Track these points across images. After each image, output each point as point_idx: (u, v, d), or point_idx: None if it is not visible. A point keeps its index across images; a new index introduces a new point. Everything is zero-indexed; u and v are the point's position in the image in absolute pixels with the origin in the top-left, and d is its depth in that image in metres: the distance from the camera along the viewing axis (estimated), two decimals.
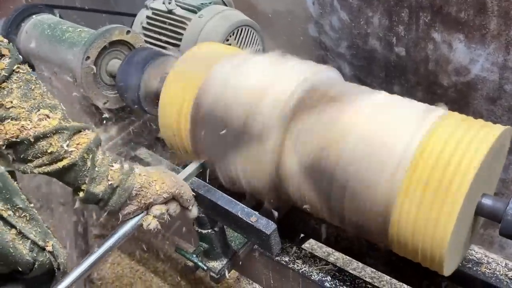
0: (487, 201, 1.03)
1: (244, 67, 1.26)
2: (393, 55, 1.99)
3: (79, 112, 1.68)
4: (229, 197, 1.24)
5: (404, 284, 1.42)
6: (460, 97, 1.88)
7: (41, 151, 1.00)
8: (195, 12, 1.78)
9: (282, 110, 1.15)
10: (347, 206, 1.09)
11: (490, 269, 1.27)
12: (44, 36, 1.69)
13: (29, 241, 0.95)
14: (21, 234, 0.93)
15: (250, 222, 1.18)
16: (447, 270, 1.05)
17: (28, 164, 1.02)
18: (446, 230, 0.95)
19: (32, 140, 0.98)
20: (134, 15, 1.90)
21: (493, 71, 1.74)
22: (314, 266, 1.35)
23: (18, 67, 1.00)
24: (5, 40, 1.00)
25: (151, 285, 2.47)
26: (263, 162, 1.18)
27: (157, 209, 1.15)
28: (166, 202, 1.17)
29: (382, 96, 1.15)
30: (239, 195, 1.31)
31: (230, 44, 1.74)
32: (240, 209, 1.21)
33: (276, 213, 1.31)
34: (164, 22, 1.80)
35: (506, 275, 1.25)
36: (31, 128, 0.98)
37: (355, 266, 2.39)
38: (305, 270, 1.35)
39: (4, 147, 0.99)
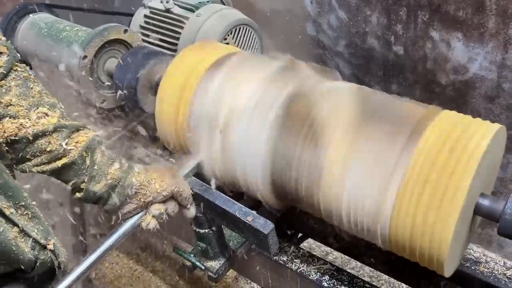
0: (485, 201, 1.02)
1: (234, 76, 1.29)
2: (391, 53, 1.99)
3: (75, 111, 1.67)
4: (226, 196, 1.24)
5: (403, 283, 1.42)
6: (458, 96, 1.88)
7: (40, 149, 0.99)
8: (193, 11, 1.77)
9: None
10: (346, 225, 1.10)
11: (488, 268, 1.27)
12: (41, 35, 1.69)
13: (31, 239, 0.94)
14: (23, 232, 0.92)
15: (247, 221, 1.17)
16: (448, 271, 1.05)
17: (27, 163, 1.01)
18: (447, 231, 0.95)
19: (31, 138, 0.97)
20: (132, 15, 1.89)
21: (492, 70, 1.74)
22: (312, 266, 1.35)
23: (16, 65, 0.99)
24: (3, 38, 0.99)
25: (150, 285, 2.46)
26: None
27: (156, 209, 1.14)
28: (164, 201, 1.17)
29: None
30: (237, 195, 1.31)
31: (228, 43, 1.73)
32: (237, 209, 1.21)
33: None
34: (162, 21, 1.79)
35: (505, 274, 1.25)
36: (29, 126, 0.97)
37: (353, 265, 2.39)
38: (303, 269, 1.34)
39: (3, 146, 0.98)
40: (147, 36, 1.82)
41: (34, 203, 0.97)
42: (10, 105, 0.97)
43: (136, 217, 1.14)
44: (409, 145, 1.00)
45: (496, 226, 1.00)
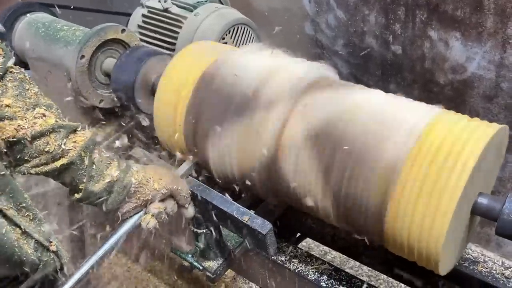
0: (483, 200, 1.02)
1: (252, 54, 1.32)
2: (389, 53, 1.99)
3: (73, 111, 1.67)
4: (224, 196, 1.24)
5: (401, 283, 1.41)
6: (457, 95, 1.88)
7: (38, 150, 0.99)
8: (191, 11, 1.77)
9: (297, 84, 1.19)
10: (345, 183, 1.08)
11: (486, 268, 1.27)
12: (39, 35, 1.68)
13: (33, 240, 0.94)
14: (26, 234, 0.92)
15: (245, 222, 1.17)
16: (443, 269, 1.05)
17: (25, 165, 1.01)
18: (442, 229, 0.95)
19: (29, 139, 0.97)
20: (130, 14, 1.89)
21: (490, 69, 1.74)
22: (310, 265, 1.34)
23: (11, 67, 0.99)
24: None
25: (148, 285, 2.46)
26: (265, 131, 1.17)
27: (155, 208, 1.14)
28: (163, 200, 1.17)
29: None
30: (235, 194, 1.31)
31: (226, 43, 1.73)
32: (235, 209, 1.20)
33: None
34: (160, 21, 1.79)
35: (503, 274, 1.25)
36: (28, 128, 0.97)
37: (352, 265, 2.39)
38: (301, 269, 1.34)
39: (2, 147, 0.98)
40: (145, 35, 1.81)
41: (34, 204, 0.97)
42: (7, 106, 0.96)
43: (136, 217, 1.14)
44: (406, 144, 1.00)
45: (495, 225, 1.00)
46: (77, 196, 1.07)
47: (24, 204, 0.93)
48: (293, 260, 1.37)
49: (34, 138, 0.98)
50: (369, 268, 1.84)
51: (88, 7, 2.04)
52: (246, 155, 1.21)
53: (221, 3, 1.91)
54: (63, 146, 1.00)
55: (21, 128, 0.96)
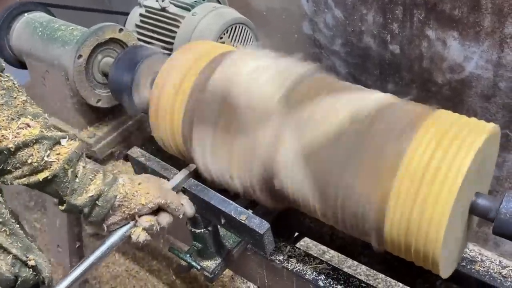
0: (480, 200, 1.02)
1: (247, 58, 1.29)
2: (387, 52, 1.99)
3: (71, 111, 1.66)
4: (222, 196, 1.24)
5: (399, 282, 1.42)
6: (455, 95, 1.88)
7: (21, 161, 0.97)
8: (188, 10, 1.77)
9: (287, 95, 1.16)
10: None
11: (484, 267, 1.27)
12: (36, 35, 1.68)
13: (11, 255, 0.93)
14: (2, 249, 0.91)
15: (243, 221, 1.17)
16: (444, 271, 1.05)
17: (7, 175, 0.99)
18: (439, 230, 0.95)
19: (12, 149, 0.95)
20: (127, 14, 1.89)
21: (488, 69, 1.74)
22: (308, 265, 1.34)
23: None
24: None
25: (146, 284, 2.46)
26: (259, 146, 1.16)
27: (146, 221, 1.13)
28: (155, 212, 1.15)
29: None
30: (233, 194, 1.31)
31: (224, 42, 1.73)
32: (233, 209, 1.20)
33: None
34: (158, 20, 1.79)
35: (500, 273, 1.25)
36: (11, 138, 0.95)
37: (350, 264, 2.40)
38: (299, 269, 1.34)
39: None
40: (143, 35, 1.81)
41: (13, 220, 0.96)
42: None
43: (124, 229, 1.12)
44: (403, 144, 1.00)
45: (492, 225, 1.00)
46: (61, 208, 1.06)
47: (0, 220, 0.92)
48: (291, 259, 1.37)
49: (17, 149, 0.96)
50: (367, 267, 1.84)
51: (86, 6, 2.04)
52: (243, 167, 1.21)
53: (219, 2, 1.91)
54: (46, 158, 0.98)
55: (4, 138, 0.95)
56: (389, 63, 2.01)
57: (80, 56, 1.54)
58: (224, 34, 1.72)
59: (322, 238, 1.54)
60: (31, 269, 0.97)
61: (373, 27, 1.97)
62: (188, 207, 1.25)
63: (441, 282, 1.29)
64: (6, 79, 0.99)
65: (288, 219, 1.54)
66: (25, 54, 1.72)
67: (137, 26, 1.83)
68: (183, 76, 1.31)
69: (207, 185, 1.28)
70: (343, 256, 2.30)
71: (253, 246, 1.33)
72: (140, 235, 1.13)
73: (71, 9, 1.95)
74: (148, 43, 1.78)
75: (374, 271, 1.57)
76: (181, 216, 1.21)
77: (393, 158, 1.00)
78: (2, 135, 0.95)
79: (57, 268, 2.25)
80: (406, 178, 0.97)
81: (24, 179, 0.99)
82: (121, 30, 1.61)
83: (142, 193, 1.12)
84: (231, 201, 1.23)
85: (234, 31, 1.76)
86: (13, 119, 0.96)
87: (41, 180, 0.99)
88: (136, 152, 1.42)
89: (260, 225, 1.16)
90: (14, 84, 1.00)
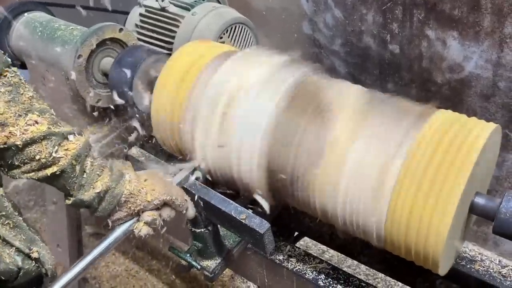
0: (481, 200, 1.03)
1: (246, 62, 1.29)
2: (387, 52, 1.99)
3: (71, 111, 1.66)
4: (222, 196, 1.24)
5: (399, 281, 1.42)
6: (454, 95, 1.88)
7: (29, 157, 0.97)
8: (188, 10, 1.77)
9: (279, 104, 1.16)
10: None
11: (483, 267, 1.27)
12: (36, 34, 1.68)
13: (14, 248, 0.93)
14: (5, 242, 0.92)
15: (243, 221, 1.17)
16: (442, 270, 1.05)
17: (16, 170, 0.99)
18: (442, 230, 0.95)
19: (20, 146, 0.96)
20: (127, 13, 1.88)
21: (487, 68, 1.74)
22: (308, 264, 1.35)
23: (6, 71, 0.97)
24: None
25: (146, 284, 2.46)
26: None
27: (148, 216, 1.13)
28: (158, 207, 1.16)
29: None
30: (233, 194, 1.31)
31: (223, 42, 1.73)
32: (233, 208, 1.20)
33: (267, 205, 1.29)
34: (157, 20, 1.79)
35: (500, 272, 1.26)
36: (19, 135, 0.95)
37: (350, 263, 2.40)
38: (299, 268, 1.34)
39: None
40: (143, 34, 1.81)
41: (16, 213, 0.97)
42: None
43: (128, 224, 1.13)
44: (406, 141, 1.01)
45: (492, 224, 1.00)
46: (68, 202, 1.06)
47: (3, 213, 0.93)
48: (291, 259, 1.37)
49: (25, 145, 0.96)
50: (366, 267, 1.85)
51: (86, 5, 2.03)
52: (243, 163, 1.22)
53: (219, 2, 1.91)
54: (54, 154, 0.99)
55: (12, 135, 0.95)
56: (389, 63, 2.01)
57: (80, 56, 1.54)
58: (224, 34, 1.73)
59: (322, 238, 1.54)
60: (33, 261, 0.98)
61: (373, 27, 1.97)
62: (189, 208, 1.25)
63: (441, 282, 1.29)
64: (13, 75, 0.98)
65: (288, 219, 1.54)
66: (25, 53, 1.72)
67: (137, 26, 1.83)
68: (184, 76, 1.32)
69: (207, 184, 1.28)
70: (342, 255, 2.31)
71: (253, 245, 1.33)
72: (142, 230, 1.13)
73: (69, 7, 1.94)
74: (148, 42, 1.78)
75: (374, 270, 1.58)
76: (184, 211, 1.22)
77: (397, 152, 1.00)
78: (10, 132, 0.95)
79: (57, 268, 2.25)
80: (407, 178, 0.97)
81: (33, 173, 1.00)
82: (121, 30, 1.61)
83: (148, 190, 1.12)
84: (231, 201, 1.23)
85: (234, 31, 1.76)
86: (20, 115, 0.96)
87: (49, 175, 1.00)
88: (136, 151, 1.42)
89: (260, 224, 1.16)
90: (20, 79, 0.99)
